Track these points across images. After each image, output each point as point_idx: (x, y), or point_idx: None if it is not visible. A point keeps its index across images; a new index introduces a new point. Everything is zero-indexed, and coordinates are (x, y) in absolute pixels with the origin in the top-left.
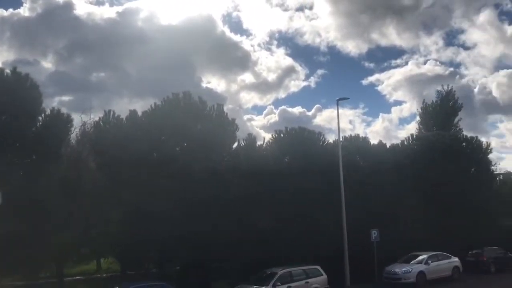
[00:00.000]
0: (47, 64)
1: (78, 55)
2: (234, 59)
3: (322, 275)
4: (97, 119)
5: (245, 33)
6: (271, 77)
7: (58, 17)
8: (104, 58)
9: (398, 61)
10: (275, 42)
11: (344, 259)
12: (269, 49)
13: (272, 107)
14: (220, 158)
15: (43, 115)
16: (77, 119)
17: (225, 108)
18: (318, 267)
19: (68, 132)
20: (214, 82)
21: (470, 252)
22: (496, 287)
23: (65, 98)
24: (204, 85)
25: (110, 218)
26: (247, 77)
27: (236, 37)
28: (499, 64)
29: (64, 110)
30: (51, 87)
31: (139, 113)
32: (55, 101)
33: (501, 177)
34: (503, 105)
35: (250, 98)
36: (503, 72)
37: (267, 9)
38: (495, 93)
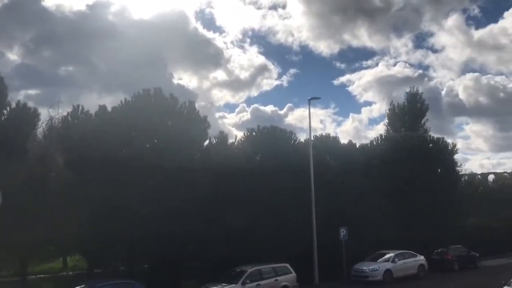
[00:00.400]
0: (13, 56)
1: (46, 48)
2: (206, 56)
3: (291, 273)
4: (65, 114)
5: (218, 30)
6: (244, 75)
7: (26, 8)
8: (73, 51)
9: (369, 62)
10: (248, 40)
11: (313, 257)
12: (242, 47)
13: (245, 105)
14: (191, 156)
15: (8, 108)
16: (44, 114)
17: (196, 105)
18: (287, 265)
19: (35, 127)
20: (185, 79)
21: (435, 251)
22: (458, 285)
23: (32, 91)
24: (175, 81)
25: (78, 215)
26: (220, 75)
27: (209, 34)
28: (466, 68)
29: (30, 104)
30: (17, 80)
31: (109, 109)
32: (21, 95)
33: (466, 177)
34: (468, 107)
35: (222, 96)
36: (469, 75)
37: (240, 6)
38: (462, 95)
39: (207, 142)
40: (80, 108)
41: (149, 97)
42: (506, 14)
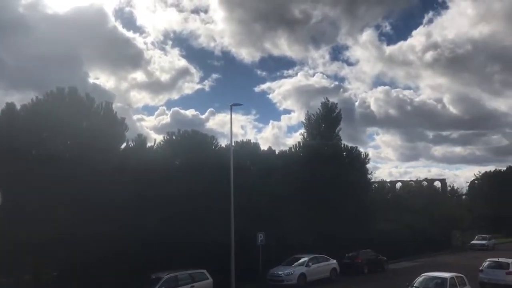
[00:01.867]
0: None
1: None
2: (125, 56)
3: (208, 279)
4: None
5: (139, 30)
6: (164, 77)
7: None
8: None
9: (290, 71)
10: (169, 42)
11: (231, 262)
12: (163, 49)
13: (165, 108)
14: (107, 158)
15: None
16: None
17: (114, 107)
18: (204, 271)
19: None
20: (102, 79)
21: (346, 255)
22: (365, 287)
23: None
24: (91, 80)
25: None
26: (139, 76)
27: (129, 34)
28: (377, 81)
29: None
30: None
31: (18, 107)
32: None
33: (376, 185)
34: (379, 119)
35: (141, 98)
36: (380, 88)
37: (162, 7)
38: (373, 107)
39: (124, 145)
40: None
41: (63, 96)
42: (414, 32)
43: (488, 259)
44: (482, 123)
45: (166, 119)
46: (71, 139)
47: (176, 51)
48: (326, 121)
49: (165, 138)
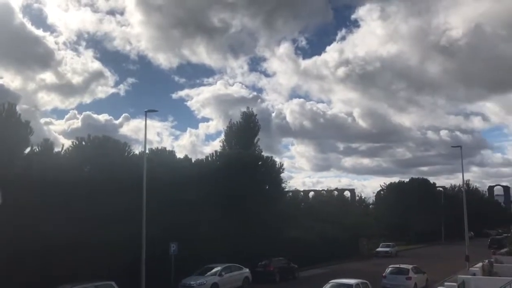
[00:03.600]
0: None
1: None
2: (33, 55)
3: None
4: None
5: (49, 28)
6: (77, 79)
7: None
8: None
9: (210, 79)
10: (83, 43)
11: (141, 273)
12: (76, 50)
13: (76, 112)
14: (8, 164)
15: None
16: None
17: (18, 108)
18: (112, 283)
19: None
20: (7, 78)
21: (259, 263)
22: None
23: None
24: None
25: None
26: (48, 77)
27: (38, 32)
28: (293, 93)
29: None
30: None
31: None
32: None
33: (290, 194)
34: (294, 130)
35: (50, 100)
36: (295, 100)
37: (75, 6)
38: (289, 118)
39: (28, 149)
40: None
41: None
42: (328, 48)
43: (390, 265)
44: (388, 137)
45: (77, 123)
46: None
47: (90, 53)
48: (246, 131)
49: (74, 143)
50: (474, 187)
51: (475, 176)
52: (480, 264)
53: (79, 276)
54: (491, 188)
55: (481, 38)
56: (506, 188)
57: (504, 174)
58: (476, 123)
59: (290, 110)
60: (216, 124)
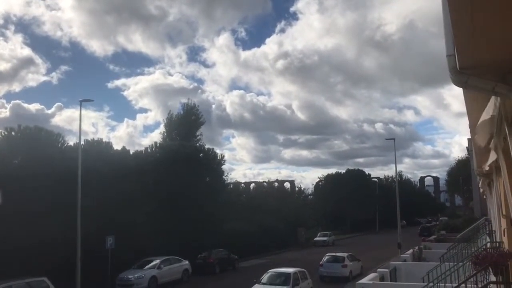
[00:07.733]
0: None
1: None
2: None
3: (48, 287)
4: None
5: None
6: (4, 66)
7: None
8: None
9: (150, 69)
10: (11, 27)
11: (76, 268)
12: (3, 34)
13: (4, 101)
14: None
15: None
16: None
17: None
18: (45, 279)
19: None
20: None
21: (199, 255)
22: (216, 286)
23: None
24: None
25: None
26: None
27: None
28: (233, 85)
29: None
30: None
31: None
32: None
33: (231, 186)
34: (234, 121)
35: None
36: (235, 92)
37: None
38: (229, 110)
39: None
40: None
41: None
42: (267, 40)
43: (327, 254)
44: (326, 129)
45: (5, 113)
46: None
47: (19, 38)
48: (187, 122)
49: (3, 134)
50: (407, 177)
51: (408, 167)
52: (410, 251)
53: (9, 272)
54: (422, 179)
55: (413, 34)
56: (435, 179)
57: (434, 165)
58: (409, 116)
59: (230, 102)
60: (155, 115)
